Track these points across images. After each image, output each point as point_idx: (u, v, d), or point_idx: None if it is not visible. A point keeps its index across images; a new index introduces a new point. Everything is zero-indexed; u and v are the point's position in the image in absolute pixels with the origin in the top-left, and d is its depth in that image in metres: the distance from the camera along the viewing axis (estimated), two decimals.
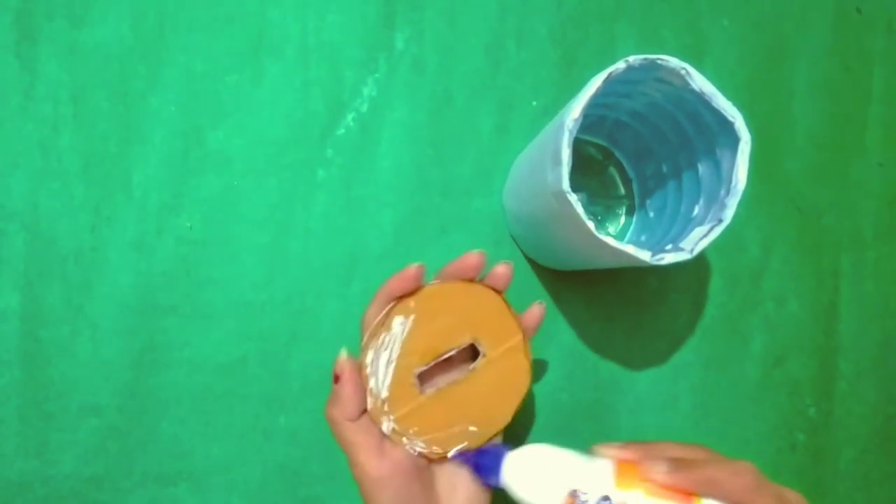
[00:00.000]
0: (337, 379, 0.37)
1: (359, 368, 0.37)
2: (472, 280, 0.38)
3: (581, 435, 0.48)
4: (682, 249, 0.36)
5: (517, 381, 0.39)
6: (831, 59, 0.54)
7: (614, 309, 0.50)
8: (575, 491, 0.37)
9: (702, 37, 0.52)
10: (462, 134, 0.49)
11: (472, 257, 0.38)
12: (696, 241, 0.36)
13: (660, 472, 0.36)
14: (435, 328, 0.37)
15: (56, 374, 0.45)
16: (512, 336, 0.39)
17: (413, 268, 0.37)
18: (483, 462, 0.38)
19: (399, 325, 0.37)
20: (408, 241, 0.48)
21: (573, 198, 0.34)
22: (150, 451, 0.45)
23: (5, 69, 0.46)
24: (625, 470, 0.38)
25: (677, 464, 0.37)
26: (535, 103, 0.50)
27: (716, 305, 0.51)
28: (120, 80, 0.47)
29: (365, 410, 0.37)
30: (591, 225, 0.34)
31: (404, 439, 0.37)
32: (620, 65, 0.35)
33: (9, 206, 0.46)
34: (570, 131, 0.34)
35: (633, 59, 0.35)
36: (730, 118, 0.36)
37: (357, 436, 0.36)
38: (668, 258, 0.35)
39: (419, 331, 0.37)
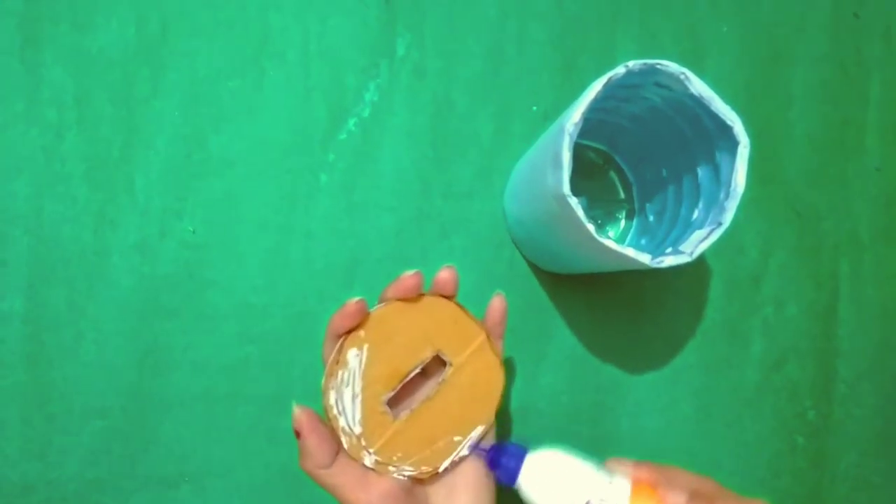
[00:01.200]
0: (298, 434, 0.36)
1: (316, 418, 0.36)
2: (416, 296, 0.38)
3: (581, 438, 0.49)
4: (681, 252, 0.36)
5: (490, 381, 0.38)
6: (829, 64, 0.54)
7: (615, 313, 0.50)
8: None
9: (701, 42, 0.53)
10: (463, 138, 0.50)
11: (408, 279, 0.37)
12: (696, 244, 0.36)
13: (681, 500, 0.37)
14: (392, 351, 0.37)
15: (59, 376, 0.45)
16: (474, 338, 0.38)
17: (353, 303, 0.36)
18: (503, 461, 0.38)
19: (354, 357, 0.36)
20: (409, 244, 0.49)
21: (573, 201, 0.34)
22: (152, 453, 0.45)
23: (10, 74, 0.47)
24: (640, 491, 0.38)
25: (698, 495, 0.37)
26: (535, 108, 0.50)
27: (715, 309, 0.51)
28: (123, 85, 0.47)
29: (336, 453, 0.36)
30: (591, 228, 0.34)
31: (390, 468, 0.36)
32: (620, 69, 0.35)
33: (13, 210, 0.46)
34: (571, 135, 0.35)
35: (633, 64, 0.35)
36: (728, 122, 0.36)
37: (336, 479, 0.35)
38: (668, 261, 0.35)
39: (376, 358, 0.37)
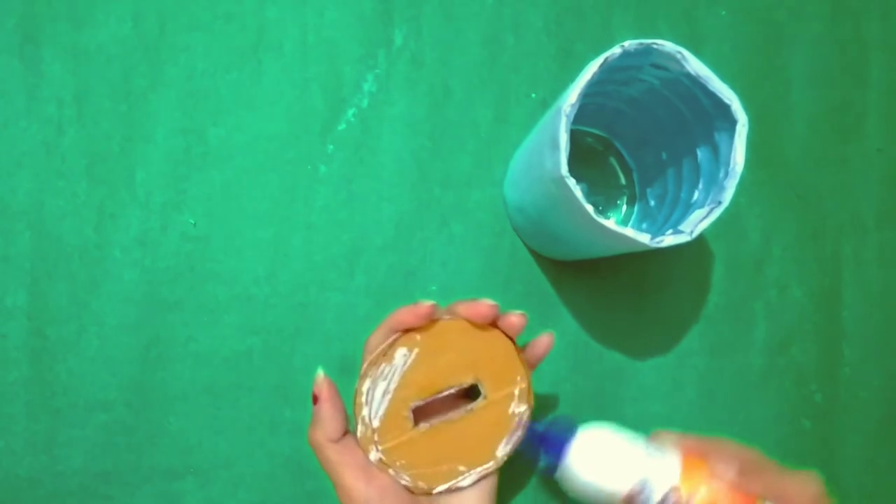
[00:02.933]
0: (316, 399, 0.36)
1: (335, 390, 0.36)
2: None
3: None
4: (681, 232, 0.36)
5: (516, 426, 0.38)
6: (828, 46, 0.54)
7: (617, 298, 0.50)
8: (643, 481, 0.37)
9: (698, 26, 0.53)
10: (461, 127, 0.50)
11: (485, 307, 0.37)
12: (696, 224, 0.36)
13: (732, 471, 0.37)
14: (437, 365, 0.37)
15: (63, 370, 0.45)
16: (516, 381, 0.38)
17: (426, 305, 0.36)
18: (549, 439, 0.38)
19: (401, 356, 0.36)
20: (409, 233, 0.49)
21: (572, 182, 0.34)
22: (157, 445, 0.46)
23: (10, 71, 0.47)
24: (691, 465, 0.38)
25: (748, 466, 0.37)
26: (533, 95, 0.50)
27: (718, 293, 0.51)
28: (122, 80, 0.48)
29: (346, 432, 0.36)
30: (590, 208, 0.34)
31: (390, 470, 0.36)
32: (616, 50, 0.35)
33: (14, 206, 0.46)
34: (567, 116, 0.34)
35: (629, 44, 0.35)
36: (726, 101, 0.36)
37: (342, 456, 0.35)
38: (668, 241, 0.35)
39: (421, 365, 0.37)
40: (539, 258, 0.50)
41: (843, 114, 0.54)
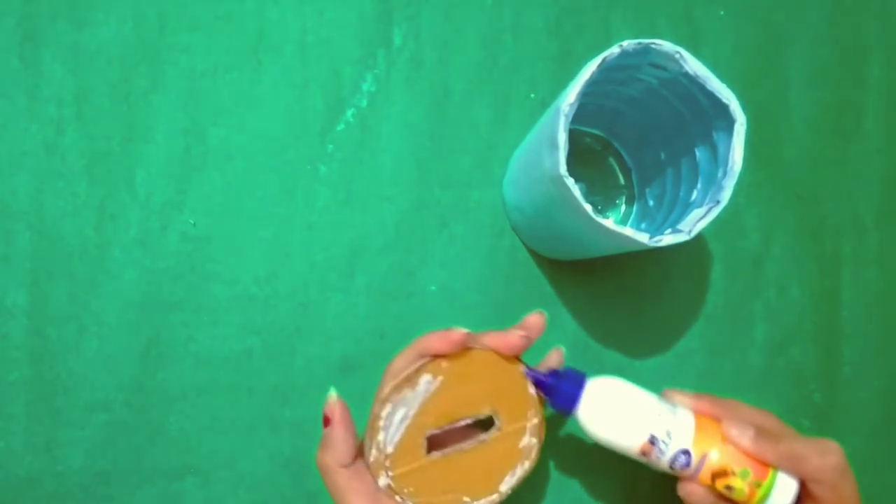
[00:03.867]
0: (327, 421, 0.35)
1: (348, 411, 0.36)
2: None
3: None
4: (680, 231, 0.36)
5: (523, 460, 0.38)
6: (827, 46, 0.54)
7: (616, 298, 0.50)
8: (655, 438, 0.36)
9: (697, 26, 0.53)
10: (461, 127, 0.50)
11: (516, 338, 0.36)
12: (695, 223, 0.36)
13: (746, 437, 0.36)
14: (459, 394, 0.37)
15: (63, 370, 0.45)
16: (531, 415, 0.38)
17: (459, 333, 0.35)
18: (559, 388, 0.37)
19: (425, 383, 0.36)
20: (409, 233, 0.49)
21: (570, 182, 0.34)
22: (157, 445, 0.46)
23: (9, 71, 0.47)
24: (705, 426, 0.37)
25: (764, 432, 0.36)
26: (532, 95, 0.51)
27: (717, 293, 0.51)
28: (122, 80, 0.48)
29: (356, 457, 0.36)
30: (588, 208, 0.34)
31: (397, 497, 0.36)
32: (615, 49, 0.35)
33: (14, 206, 0.46)
34: (566, 116, 0.35)
35: (627, 43, 0.35)
36: (724, 100, 0.36)
37: (351, 482, 0.34)
38: (667, 240, 0.35)
39: (443, 394, 0.36)
40: (538, 258, 0.50)
41: (843, 113, 0.54)
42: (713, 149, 0.39)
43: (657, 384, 0.49)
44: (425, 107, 0.50)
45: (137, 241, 0.47)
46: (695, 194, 0.40)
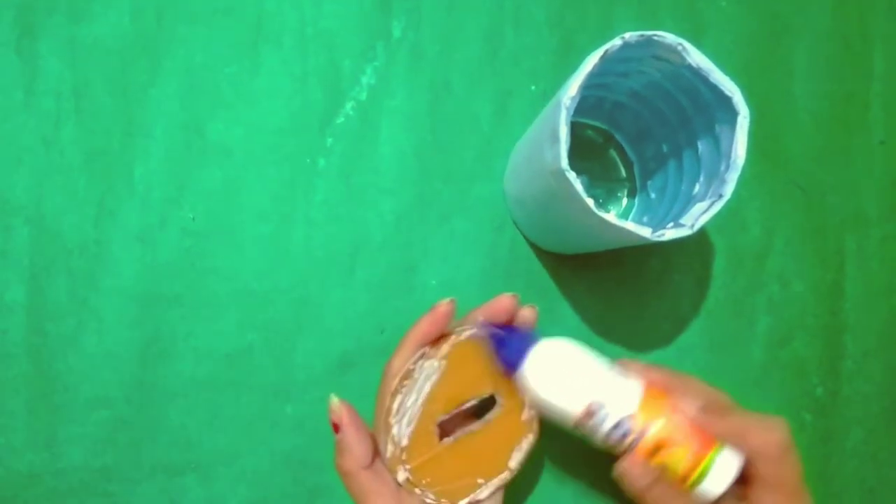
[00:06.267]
0: (336, 427, 0.35)
1: (355, 412, 0.36)
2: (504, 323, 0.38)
3: None
4: (682, 225, 0.35)
5: (527, 433, 0.38)
6: (831, 38, 0.53)
7: (618, 292, 0.50)
8: (597, 403, 0.35)
9: (700, 18, 0.52)
10: (461, 120, 0.49)
11: (506, 299, 0.37)
12: (697, 217, 0.36)
13: (694, 407, 0.35)
14: (462, 377, 0.37)
15: (63, 366, 0.45)
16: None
17: (444, 305, 0.35)
18: (509, 342, 0.37)
19: (430, 370, 0.36)
20: (409, 228, 0.48)
21: (572, 175, 0.34)
22: (157, 441, 0.45)
23: (7, 66, 0.47)
24: (652, 396, 0.36)
25: (709, 407, 0.36)
26: (533, 88, 0.50)
27: (719, 287, 0.51)
28: (120, 74, 0.47)
29: (375, 455, 0.35)
30: (590, 202, 0.34)
31: (417, 490, 0.36)
32: (616, 42, 0.35)
33: (13, 201, 0.46)
34: (568, 108, 0.34)
35: (630, 35, 0.35)
36: (728, 93, 0.36)
37: (374, 484, 0.34)
38: (669, 234, 0.35)
39: (447, 378, 0.36)
40: (539, 252, 0.49)
41: (847, 106, 0.53)
42: (716, 142, 0.38)
43: None
44: (425, 99, 0.49)
45: (137, 236, 0.46)
46: (697, 188, 0.40)
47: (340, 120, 0.48)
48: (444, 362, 0.36)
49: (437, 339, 0.37)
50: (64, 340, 0.45)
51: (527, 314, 0.38)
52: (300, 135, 0.48)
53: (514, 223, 0.49)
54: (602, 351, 0.49)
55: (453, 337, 0.37)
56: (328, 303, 0.47)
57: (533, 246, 0.49)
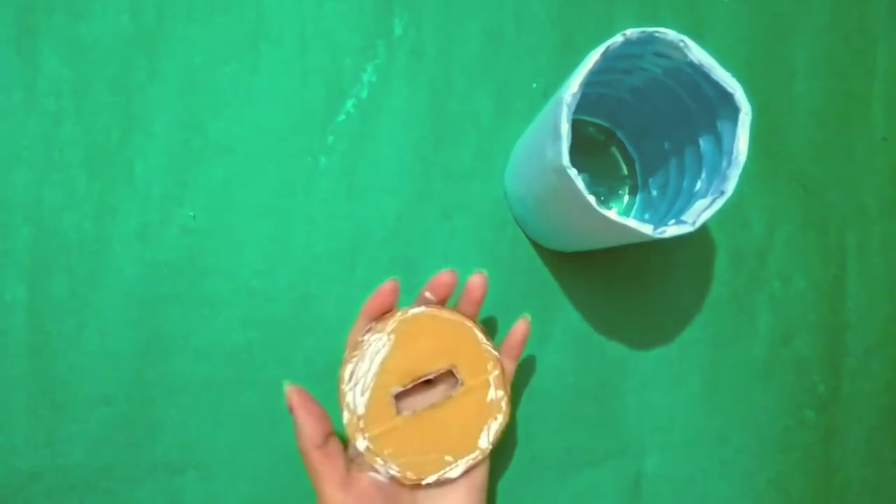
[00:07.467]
0: (291, 410, 0.37)
1: (307, 396, 0.37)
2: (444, 303, 0.40)
3: (588, 417, 0.48)
4: (684, 222, 0.35)
5: (495, 414, 0.39)
6: (833, 35, 0.53)
7: (619, 289, 0.50)
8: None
9: (701, 15, 0.52)
10: (462, 118, 0.49)
11: (445, 275, 0.39)
12: (699, 214, 0.36)
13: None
14: (413, 351, 0.38)
15: (63, 365, 0.45)
16: (490, 367, 0.39)
17: (388, 282, 0.38)
18: None
19: (379, 342, 0.38)
20: (410, 226, 0.48)
21: (573, 172, 0.34)
22: (158, 439, 0.45)
23: (7, 65, 0.47)
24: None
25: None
26: (534, 85, 0.50)
27: (721, 284, 0.51)
28: (120, 73, 0.47)
29: (330, 434, 0.37)
30: (591, 199, 0.34)
31: (378, 459, 0.37)
32: (618, 38, 0.35)
33: (13, 200, 0.46)
34: (569, 105, 0.34)
35: (631, 32, 0.35)
36: (729, 90, 0.35)
37: (321, 466, 0.36)
38: (671, 231, 0.35)
39: (398, 352, 0.38)
40: (541, 249, 0.49)
41: (848, 103, 0.53)
42: (717, 139, 0.38)
43: (660, 375, 0.49)
44: (427, 97, 0.49)
45: (137, 234, 0.46)
46: (699, 184, 0.40)
47: (341, 118, 0.48)
48: (392, 336, 0.38)
49: (386, 315, 0.39)
50: (64, 339, 0.45)
51: (475, 280, 0.40)
52: (301, 133, 0.48)
53: (516, 221, 0.49)
54: (604, 348, 0.49)
55: (399, 313, 0.38)
56: (328, 300, 0.47)
57: (534, 244, 0.49)
